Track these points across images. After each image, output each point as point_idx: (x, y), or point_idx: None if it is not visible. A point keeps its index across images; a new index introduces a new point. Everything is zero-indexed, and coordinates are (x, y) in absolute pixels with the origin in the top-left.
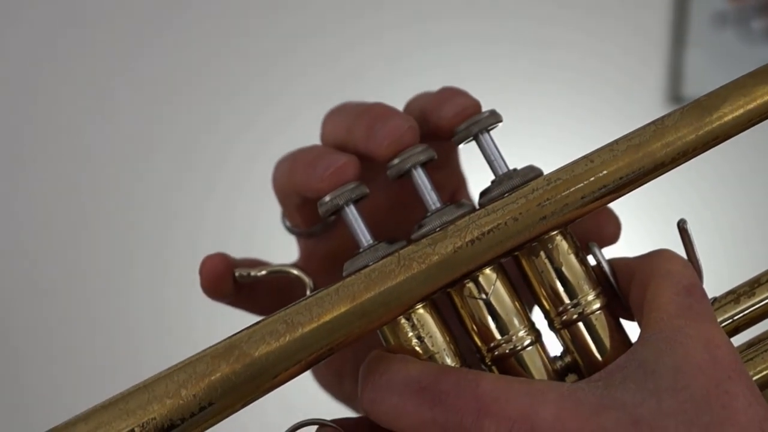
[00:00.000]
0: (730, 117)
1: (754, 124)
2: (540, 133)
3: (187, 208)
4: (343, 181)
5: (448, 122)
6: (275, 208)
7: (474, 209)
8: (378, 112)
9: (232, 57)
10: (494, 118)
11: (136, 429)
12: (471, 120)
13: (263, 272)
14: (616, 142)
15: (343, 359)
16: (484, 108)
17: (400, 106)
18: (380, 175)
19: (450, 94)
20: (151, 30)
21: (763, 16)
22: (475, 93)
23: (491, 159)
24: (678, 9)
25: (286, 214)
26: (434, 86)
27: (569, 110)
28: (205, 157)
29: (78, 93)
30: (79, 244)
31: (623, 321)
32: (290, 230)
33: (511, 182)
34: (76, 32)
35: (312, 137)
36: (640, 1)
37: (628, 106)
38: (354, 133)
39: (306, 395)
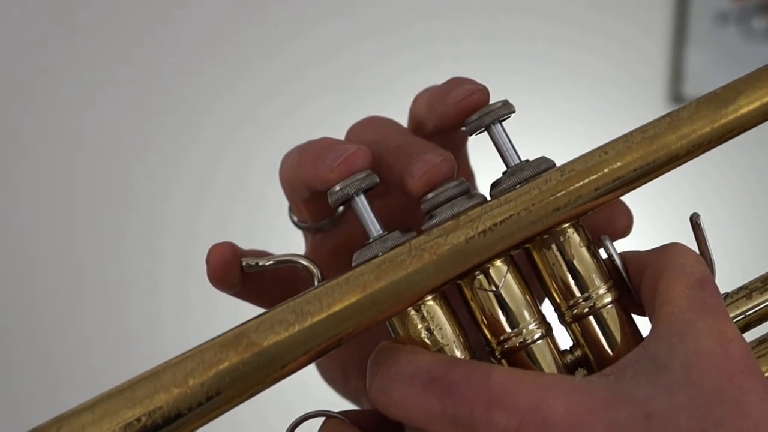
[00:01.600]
0: (746, 110)
1: None
2: (538, 133)
3: (187, 206)
4: (353, 170)
5: (455, 108)
6: (275, 207)
7: (485, 200)
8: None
9: (230, 52)
10: (507, 108)
11: (142, 418)
12: (483, 110)
13: (270, 261)
14: (630, 133)
15: (349, 355)
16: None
17: (405, 102)
18: None
19: (456, 82)
20: (149, 23)
21: (764, 15)
22: None
23: (503, 150)
24: (679, 8)
25: (294, 209)
26: (438, 82)
27: (569, 109)
28: (203, 154)
29: (73, 89)
30: (81, 240)
31: (634, 316)
32: (297, 225)
33: (523, 173)
34: (72, 28)
35: (312, 132)
36: (641, 0)
37: (629, 105)
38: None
39: (310, 393)
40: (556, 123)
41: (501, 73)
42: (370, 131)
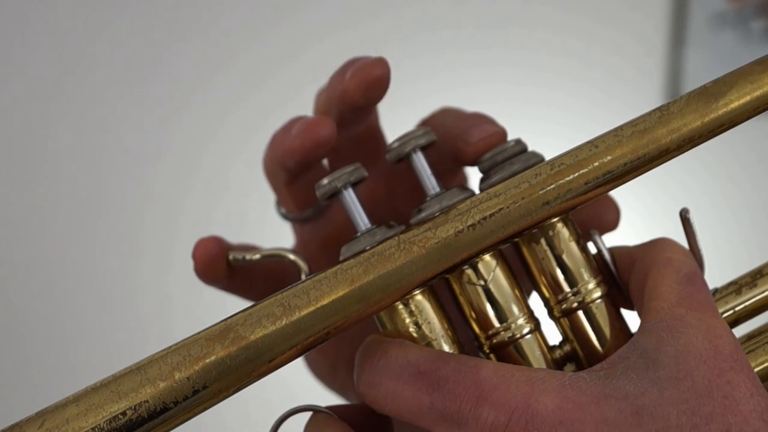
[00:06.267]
0: (736, 104)
1: (760, 112)
2: (536, 136)
3: (178, 199)
4: (316, 136)
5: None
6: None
7: (474, 194)
8: (353, 60)
9: (233, 57)
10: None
11: (128, 412)
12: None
13: (257, 256)
14: (621, 127)
15: (337, 349)
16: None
17: (405, 110)
18: (379, 163)
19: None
20: (158, 29)
21: (762, 17)
22: (475, 98)
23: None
24: (677, 10)
25: (279, 198)
26: (436, 90)
27: (567, 112)
28: (194, 147)
29: (83, 91)
30: (80, 236)
31: (623, 311)
32: (285, 216)
33: (512, 168)
34: (83, 33)
35: None
36: (638, 2)
37: (627, 108)
38: (330, 85)
39: (304, 384)
40: (551, 127)
41: (497, 82)
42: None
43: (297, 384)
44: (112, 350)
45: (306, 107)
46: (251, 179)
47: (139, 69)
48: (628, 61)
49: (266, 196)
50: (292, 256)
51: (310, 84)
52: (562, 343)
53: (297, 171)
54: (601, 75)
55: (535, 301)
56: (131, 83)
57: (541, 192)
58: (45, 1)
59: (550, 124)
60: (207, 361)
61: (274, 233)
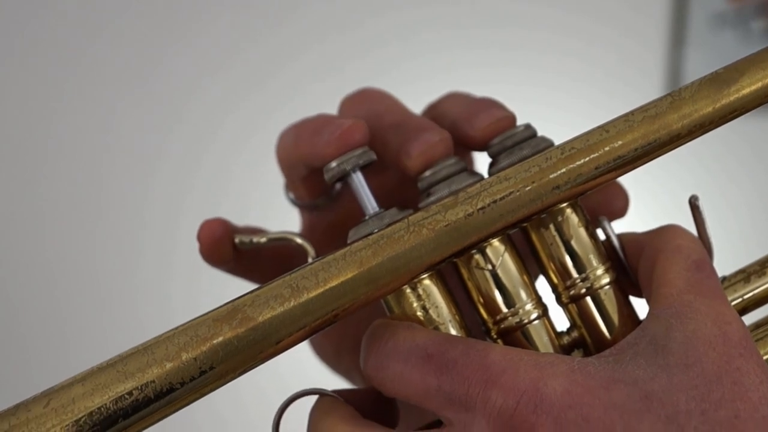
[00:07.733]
0: (747, 90)
1: None
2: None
3: (188, 199)
4: (350, 145)
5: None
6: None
7: (484, 178)
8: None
9: (233, 57)
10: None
11: (134, 392)
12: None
13: (264, 239)
14: (632, 112)
15: (343, 333)
16: None
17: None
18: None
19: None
20: (158, 29)
21: (762, 17)
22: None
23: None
24: (677, 10)
25: (290, 186)
26: (436, 90)
27: (567, 112)
28: (209, 153)
29: (83, 91)
30: (80, 236)
31: (632, 298)
32: (294, 202)
33: (521, 153)
34: (83, 33)
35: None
36: (638, 2)
37: (627, 108)
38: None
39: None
40: (551, 127)
41: (497, 82)
42: (365, 104)
43: (292, 374)
44: (112, 350)
45: (306, 107)
46: (251, 179)
47: (139, 69)
48: (628, 61)
49: (266, 196)
50: (299, 240)
51: (310, 84)
52: (569, 330)
53: (320, 168)
54: (601, 75)
55: (543, 287)
56: (131, 83)
57: (551, 176)
58: (45, 1)
59: (550, 124)
60: (214, 341)
61: (280, 217)
